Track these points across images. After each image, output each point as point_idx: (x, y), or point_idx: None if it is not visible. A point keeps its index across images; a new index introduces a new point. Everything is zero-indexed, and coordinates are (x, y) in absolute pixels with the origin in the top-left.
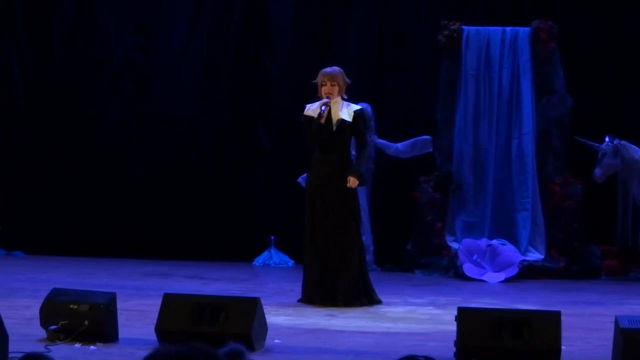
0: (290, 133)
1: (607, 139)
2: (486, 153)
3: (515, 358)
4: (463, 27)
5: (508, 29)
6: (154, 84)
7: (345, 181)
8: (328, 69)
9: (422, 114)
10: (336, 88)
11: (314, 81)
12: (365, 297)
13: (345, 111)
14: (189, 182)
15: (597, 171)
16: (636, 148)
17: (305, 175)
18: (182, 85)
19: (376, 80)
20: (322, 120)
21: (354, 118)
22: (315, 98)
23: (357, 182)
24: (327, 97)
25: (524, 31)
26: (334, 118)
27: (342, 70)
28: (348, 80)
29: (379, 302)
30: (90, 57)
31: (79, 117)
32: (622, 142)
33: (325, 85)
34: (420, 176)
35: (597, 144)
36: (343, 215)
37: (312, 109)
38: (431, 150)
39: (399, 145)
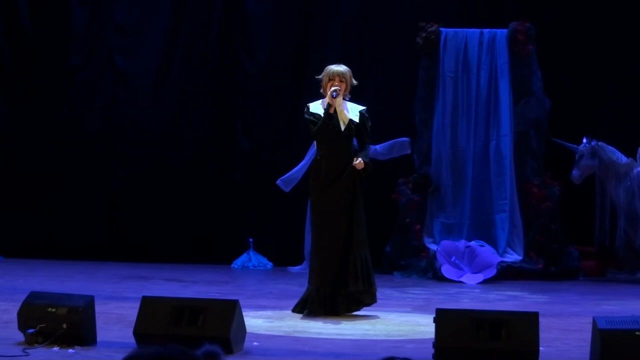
0: (270, 134)
1: (584, 140)
2: (464, 155)
3: (494, 359)
4: (441, 29)
5: (486, 30)
6: (133, 86)
7: (350, 175)
8: (337, 67)
9: (400, 115)
10: (344, 85)
11: (319, 77)
12: (369, 287)
13: (352, 112)
14: (168, 184)
15: (575, 172)
16: (613, 149)
17: (284, 177)
18: (162, 86)
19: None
20: (332, 110)
21: (360, 118)
22: (312, 97)
23: (362, 164)
24: (336, 87)
25: (501, 33)
26: (343, 119)
27: (350, 70)
28: (355, 82)
29: (373, 299)
30: (69, 60)
31: (59, 120)
32: (600, 143)
33: (334, 80)
34: (399, 178)
35: (575, 146)
36: (355, 208)
37: (316, 106)
38: (409, 152)
39: (377, 147)
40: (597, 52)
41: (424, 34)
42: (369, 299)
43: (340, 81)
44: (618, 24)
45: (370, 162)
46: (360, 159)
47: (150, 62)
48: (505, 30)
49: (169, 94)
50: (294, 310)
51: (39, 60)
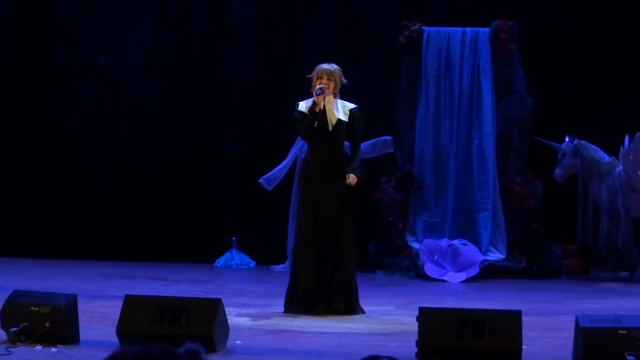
0: (254, 134)
1: (567, 139)
2: (447, 153)
3: (477, 357)
4: (423, 27)
5: (468, 29)
6: (117, 86)
7: (342, 180)
8: (326, 65)
9: (383, 114)
10: (332, 83)
11: (309, 75)
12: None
13: (341, 111)
14: (151, 182)
15: (558, 171)
16: (596, 148)
17: (267, 175)
18: (146, 85)
19: None
20: (317, 109)
21: (349, 117)
22: (296, 96)
23: (356, 179)
24: (322, 85)
25: (484, 32)
26: (331, 119)
27: (340, 69)
28: (345, 80)
29: (362, 312)
30: (54, 59)
31: (43, 119)
32: (582, 141)
33: (322, 78)
34: (382, 176)
35: (557, 144)
36: (342, 214)
37: (305, 106)
38: (392, 150)
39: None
40: (579, 50)
41: (406, 33)
42: (351, 313)
43: (329, 79)
44: (600, 22)
45: (363, 173)
46: (352, 174)
47: (134, 62)
48: (487, 29)
49: (153, 93)
50: (285, 312)
51: (24, 60)
